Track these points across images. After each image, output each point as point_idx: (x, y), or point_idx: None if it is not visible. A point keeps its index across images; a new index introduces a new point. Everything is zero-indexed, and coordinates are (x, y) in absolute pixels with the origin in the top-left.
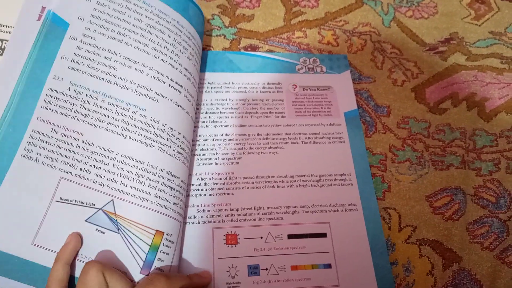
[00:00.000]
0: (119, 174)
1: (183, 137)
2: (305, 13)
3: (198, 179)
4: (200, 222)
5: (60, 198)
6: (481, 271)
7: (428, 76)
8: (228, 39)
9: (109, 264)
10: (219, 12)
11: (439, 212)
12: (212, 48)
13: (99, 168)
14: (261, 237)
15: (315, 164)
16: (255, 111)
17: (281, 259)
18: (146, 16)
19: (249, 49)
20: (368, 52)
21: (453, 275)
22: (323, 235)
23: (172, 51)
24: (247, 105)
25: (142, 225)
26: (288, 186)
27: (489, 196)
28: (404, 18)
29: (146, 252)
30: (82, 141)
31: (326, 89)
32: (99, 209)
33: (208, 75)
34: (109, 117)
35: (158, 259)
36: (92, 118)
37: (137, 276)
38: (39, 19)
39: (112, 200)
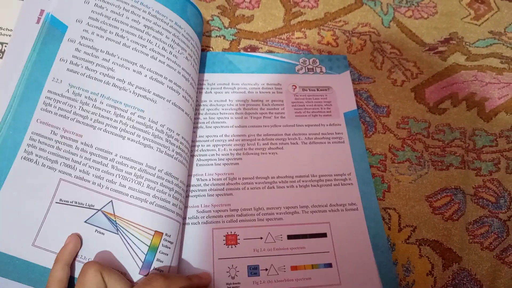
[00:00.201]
0: (118, 175)
1: (182, 137)
2: (305, 14)
3: (198, 179)
4: (200, 223)
5: (60, 200)
6: (481, 271)
7: (427, 76)
8: (227, 40)
9: (108, 265)
10: (218, 13)
11: (439, 212)
12: (211, 49)
13: (98, 169)
14: (261, 238)
15: (315, 165)
16: (255, 112)
17: (281, 260)
18: (144, 18)
19: (248, 49)
20: (368, 53)
21: (453, 275)
22: (323, 235)
23: (171, 52)
24: (246, 105)
25: (141, 226)
26: (288, 187)
27: (489, 196)
28: (404, 18)
29: (145, 253)
30: (81, 143)
31: (326, 90)
32: (99, 210)
33: (207, 76)
34: (108, 118)
35: (157, 259)
36: (91, 119)
37: (136, 276)
38: (38, 22)
39: (111, 201)
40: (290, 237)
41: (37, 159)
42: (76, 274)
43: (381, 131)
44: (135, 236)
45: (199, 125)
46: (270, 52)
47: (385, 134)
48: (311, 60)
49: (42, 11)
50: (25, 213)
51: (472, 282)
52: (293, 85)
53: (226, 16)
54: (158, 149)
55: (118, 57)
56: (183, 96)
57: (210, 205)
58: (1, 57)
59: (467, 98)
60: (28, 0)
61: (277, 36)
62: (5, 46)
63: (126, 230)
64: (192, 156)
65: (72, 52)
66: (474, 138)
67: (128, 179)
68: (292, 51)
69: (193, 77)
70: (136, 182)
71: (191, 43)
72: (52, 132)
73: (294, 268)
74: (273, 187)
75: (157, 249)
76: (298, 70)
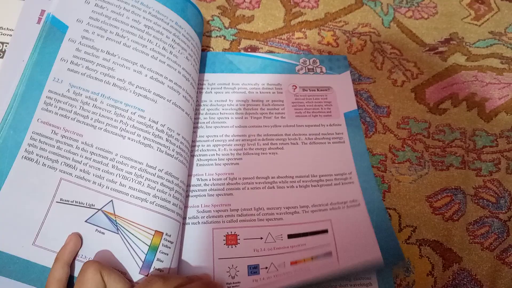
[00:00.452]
0: (118, 175)
1: (182, 137)
2: (305, 14)
3: (198, 179)
4: (200, 223)
5: (61, 199)
6: (481, 272)
7: (428, 77)
8: (228, 40)
9: (107, 264)
10: (219, 13)
11: (439, 213)
12: (212, 49)
13: (99, 169)
14: (261, 238)
15: (315, 165)
16: (255, 112)
17: (281, 258)
18: (144, 17)
19: (249, 50)
20: (368, 53)
21: (453, 276)
22: (324, 231)
23: (171, 52)
24: (247, 106)
25: (141, 225)
26: (288, 187)
27: (489, 197)
28: (404, 18)
29: (145, 252)
30: (82, 142)
31: (326, 90)
32: (99, 209)
33: (208, 76)
34: (108, 118)
35: (157, 259)
36: (92, 119)
37: (136, 276)
38: (38, 22)
39: (112, 200)
40: (290, 236)
41: (37, 159)
42: (76, 273)
43: (381, 132)
44: (135, 236)
45: (199, 125)
46: (270, 52)
47: (385, 134)
48: (311, 60)
49: (42, 11)
50: (25, 212)
51: (473, 283)
52: (293, 85)
53: (226, 16)
54: (159, 149)
55: (119, 57)
56: (183, 96)
57: (210, 205)
58: (2, 57)
59: (467, 99)
60: (28, 0)
61: (277, 36)
62: (6, 46)
63: (126, 229)
64: (192, 156)
65: (73, 52)
66: (475, 139)
67: (129, 179)
68: (292, 51)
69: (193, 77)
70: (137, 181)
71: (192, 43)
72: (53, 131)
73: (293, 263)
74: (273, 187)
75: (157, 249)
76: (298, 70)
